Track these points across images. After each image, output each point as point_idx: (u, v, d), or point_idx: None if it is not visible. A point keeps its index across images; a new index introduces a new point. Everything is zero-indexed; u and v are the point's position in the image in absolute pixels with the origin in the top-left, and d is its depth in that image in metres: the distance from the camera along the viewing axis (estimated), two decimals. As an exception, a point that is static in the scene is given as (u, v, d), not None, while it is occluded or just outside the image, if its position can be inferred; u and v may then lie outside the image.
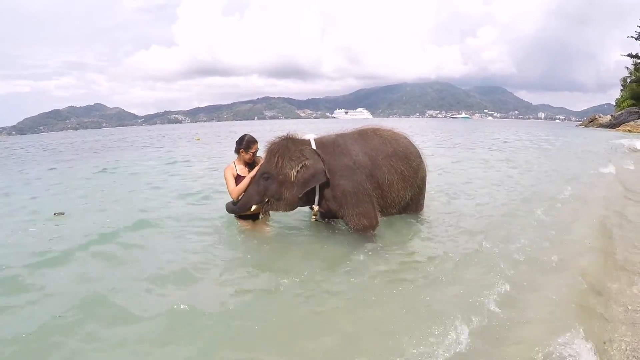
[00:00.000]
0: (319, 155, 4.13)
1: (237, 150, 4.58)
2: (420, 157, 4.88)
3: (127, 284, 3.28)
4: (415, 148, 4.91)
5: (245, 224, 4.60)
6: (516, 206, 5.88)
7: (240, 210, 4.33)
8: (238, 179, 4.47)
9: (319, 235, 4.51)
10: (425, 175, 5.03)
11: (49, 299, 3.07)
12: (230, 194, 4.48)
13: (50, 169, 11.51)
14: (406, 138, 4.88)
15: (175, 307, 2.80)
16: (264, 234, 4.52)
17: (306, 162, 4.06)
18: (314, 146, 4.22)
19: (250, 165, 4.56)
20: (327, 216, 4.58)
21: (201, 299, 3.05)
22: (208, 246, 4.19)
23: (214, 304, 2.98)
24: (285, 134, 4.30)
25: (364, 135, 4.59)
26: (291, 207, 4.30)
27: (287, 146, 4.15)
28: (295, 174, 4.05)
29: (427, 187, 5.25)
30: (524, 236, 4.43)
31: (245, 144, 4.53)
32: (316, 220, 4.59)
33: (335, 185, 4.19)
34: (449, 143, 18.73)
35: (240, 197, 4.32)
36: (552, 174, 8.90)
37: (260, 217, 4.61)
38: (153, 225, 4.89)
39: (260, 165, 4.25)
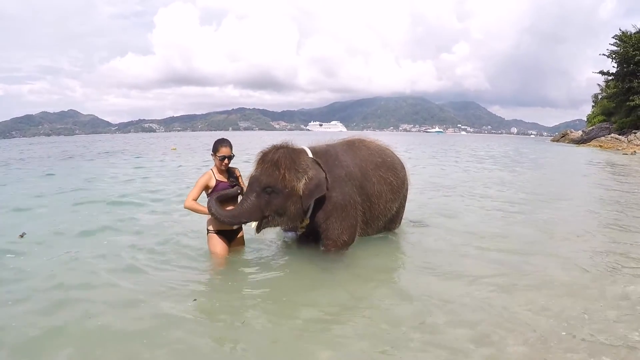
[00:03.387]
0: (319, 164, 3.98)
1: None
2: (404, 168, 4.93)
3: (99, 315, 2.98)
4: (399, 159, 4.96)
5: (220, 241, 4.10)
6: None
7: (232, 222, 3.89)
8: (218, 185, 3.98)
9: (298, 252, 4.40)
10: (408, 187, 5.06)
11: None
12: (185, 199, 3.98)
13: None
14: (389, 149, 4.93)
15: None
16: (240, 253, 4.25)
17: (309, 174, 3.86)
18: (310, 155, 4.06)
19: (228, 173, 4.10)
20: (310, 229, 4.29)
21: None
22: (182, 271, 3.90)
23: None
24: (280, 143, 4.05)
25: (352, 145, 4.58)
26: (294, 221, 4.09)
27: (291, 157, 3.88)
28: (302, 186, 3.83)
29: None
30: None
31: (214, 144, 4.05)
32: (303, 233, 4.42)
33: (327, 197, 4.04)
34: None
35: (232, 211, 3.85)
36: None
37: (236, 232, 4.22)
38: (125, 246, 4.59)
39: (259, 178, 3.82)
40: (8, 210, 6.54)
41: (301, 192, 3.85)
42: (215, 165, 4.05)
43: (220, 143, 4.01)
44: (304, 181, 3.84)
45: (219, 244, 4.06)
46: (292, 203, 3.88)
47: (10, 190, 9.04)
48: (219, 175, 4.04)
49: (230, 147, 4.05)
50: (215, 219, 3.87)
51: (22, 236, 4.84)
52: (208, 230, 4.11)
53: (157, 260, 4.18)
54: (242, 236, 4.34)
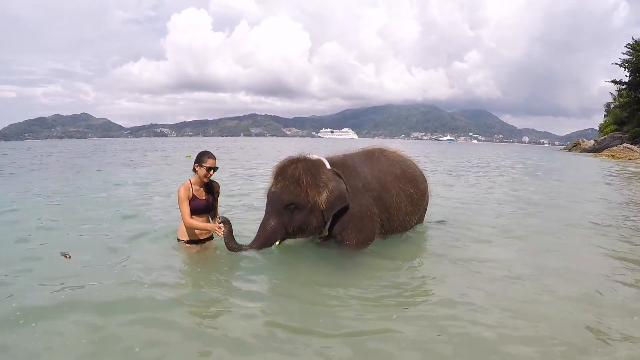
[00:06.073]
0: (339, 175, 3.96)
1: (194, 168, 4.06)
2: (426, 180, 4.89)
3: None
4: (421, 171, 4.92)
5: (192, 249, 4.14)
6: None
7: (262, 248, 3.91)
8: (193, 200, 3.99)
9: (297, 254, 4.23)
10: (429, 199, 5.04)
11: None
12: (183, 220, 4.02)
13: None
14: (411, 160, 4.86)
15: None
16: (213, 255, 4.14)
17: (330, 186, 3.83)
18: (328, 167, 4.01)
19: (207, 187, 4.12)
20: (327, 240, 4.23)
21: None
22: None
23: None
24: (297, 155, 4.01)
25: (371, 156, 4.50)
26: (315, 233, 4.09)
27: (311, 172, 3.85)
28: (324, 200, 3.80)
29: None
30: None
31: (197, 156, 4.03)
32: (321, 241, 4.24)
33: (342, 208, 3.98)
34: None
35: (258, 237, 3.92)
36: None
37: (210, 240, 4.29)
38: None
39: (281, 195, 3.83)
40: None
41: (323, 206, 3.82)
42: (199, 176, 4.02)
43: (206, 154, 4.02)
44: (325, 194, 3.81)
45: (192, 248, 4.15)
46: (315, 217, 3.88)
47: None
48: (196, 189, 4.05)
49: (215, 159, 4.04)
50: (245, 251, 3.90)
51: (68, 257, 4.06)
52: (179, 239, 4.20)
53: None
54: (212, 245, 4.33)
